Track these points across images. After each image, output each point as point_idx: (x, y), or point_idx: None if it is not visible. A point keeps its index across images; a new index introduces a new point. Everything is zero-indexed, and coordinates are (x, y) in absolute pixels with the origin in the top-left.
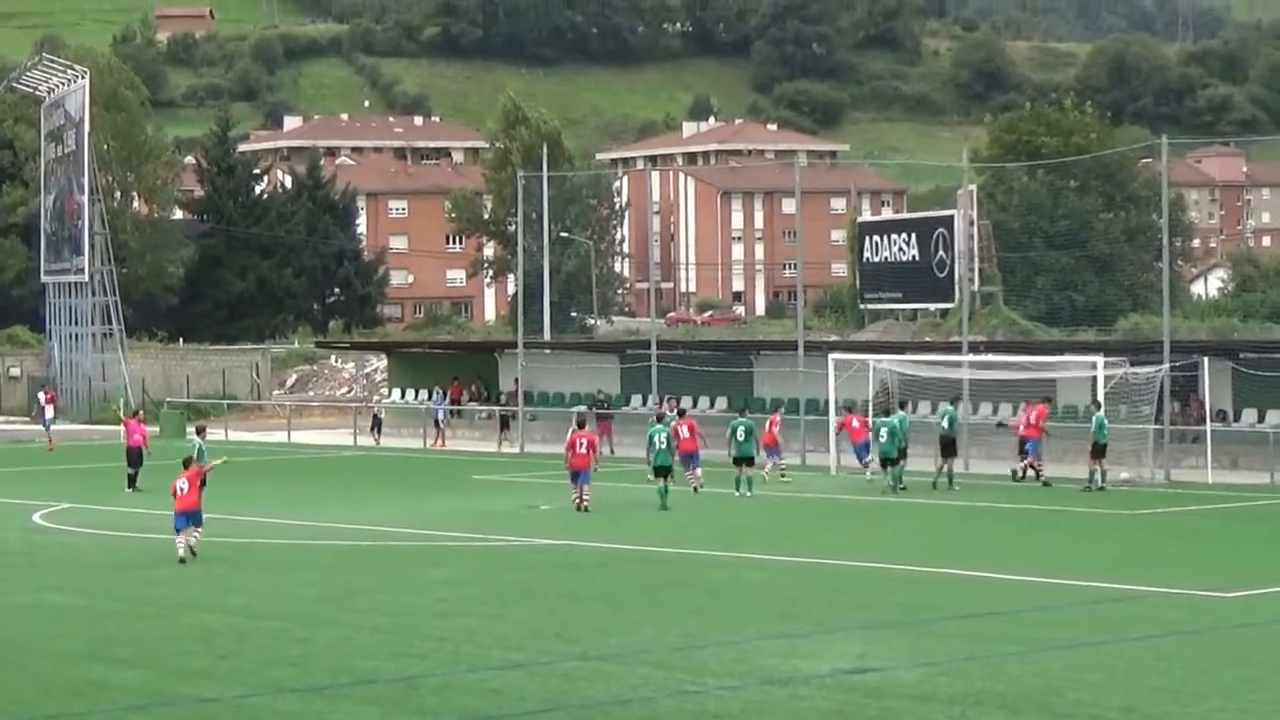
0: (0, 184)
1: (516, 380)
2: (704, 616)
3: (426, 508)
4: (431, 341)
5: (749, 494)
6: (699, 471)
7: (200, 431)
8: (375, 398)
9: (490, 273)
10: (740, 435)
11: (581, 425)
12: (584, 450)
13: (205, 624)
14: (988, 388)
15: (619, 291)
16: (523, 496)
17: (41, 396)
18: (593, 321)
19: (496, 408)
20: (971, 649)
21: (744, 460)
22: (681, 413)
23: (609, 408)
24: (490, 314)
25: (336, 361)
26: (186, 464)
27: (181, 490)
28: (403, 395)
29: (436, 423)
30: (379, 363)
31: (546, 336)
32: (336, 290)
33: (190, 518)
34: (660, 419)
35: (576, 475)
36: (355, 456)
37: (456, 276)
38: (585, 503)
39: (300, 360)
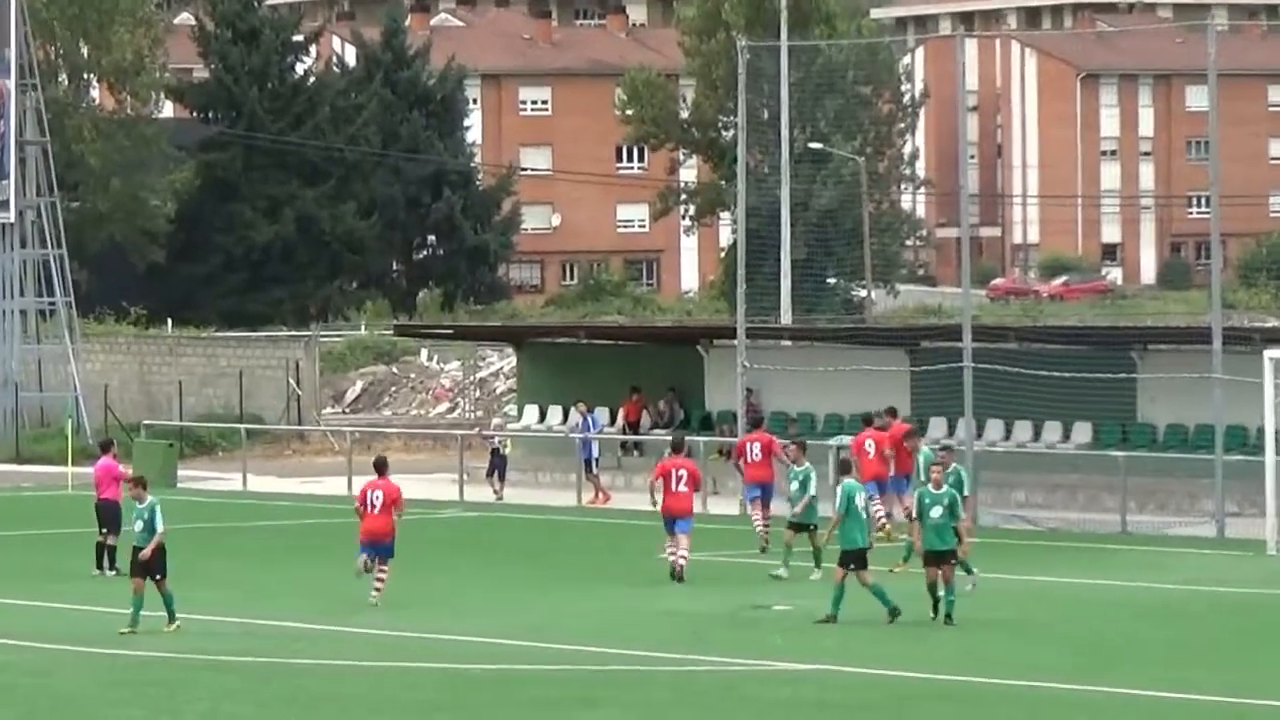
0: None
1: (748, 392)
2: None
3: (583, 607)
4: (592, 327)
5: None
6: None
7: (139, 487)
8: (495, 420)
9: (691, 211)
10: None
11: (678, 450)
12: (683, 487)
13: None
14: None
15: (909, 243)
16: (748, 588)
17: None
18: (864, 293)
19: (703, 438)
20: None
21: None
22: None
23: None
24: (690, 280)
25: (431, 359)
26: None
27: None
28: (542, 417)
29: (589, 464)
30: (502, 362)
31: (785, 319)
32: (431, 240)
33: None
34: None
35: (672, 523)
36: (462, 519)
37: (634, 217)
38: (681, 563)
39: (370, 356)
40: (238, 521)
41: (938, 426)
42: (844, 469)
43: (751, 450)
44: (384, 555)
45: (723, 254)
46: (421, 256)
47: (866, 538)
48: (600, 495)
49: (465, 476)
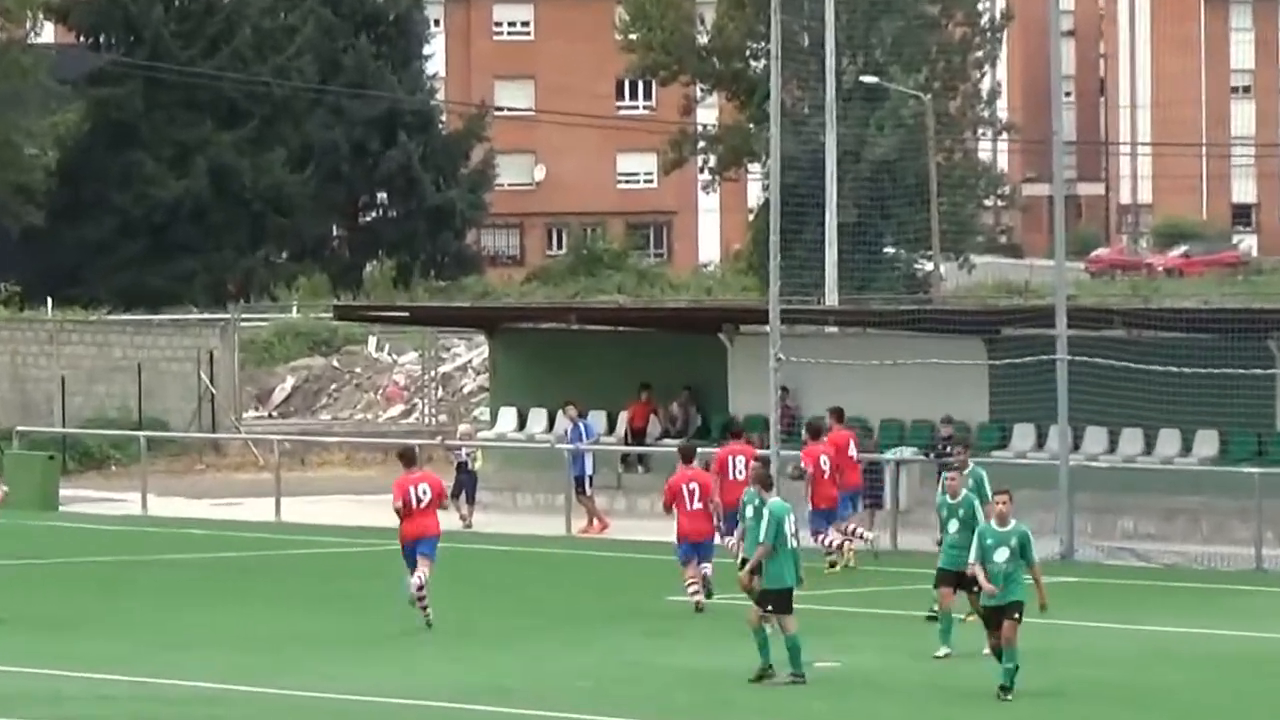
0: None
1: (783, 391)
2: None
3: (570, 662)
4: (585, 309)
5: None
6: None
7: None
8: (462, 428)
9: (711, 163)
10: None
11: (688, 460)
12: (699, 504)
13: None
14: None
15: (987, 203)
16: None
17: None
18: (930, 267)
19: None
20: None
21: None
22: (737, 434)
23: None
24: (709, 250)
25: (381, 350)
26: None
27: None
28: (521, 423)
29: (581, 483)
30: (471, 354)
31: (830, 299)
32: (382, 199)
33: None
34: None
35: (694, 549)
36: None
37: (638, 170)
38: (700, 594)
39: (304, 346)
40: (135, 554)
41: (1024, 436)
42: (764, 483)
43: (733, 467)
44: (431, 555)
45: (751, 216)
46: (369, 219)
47: (796, 573)
48: (595, 522)
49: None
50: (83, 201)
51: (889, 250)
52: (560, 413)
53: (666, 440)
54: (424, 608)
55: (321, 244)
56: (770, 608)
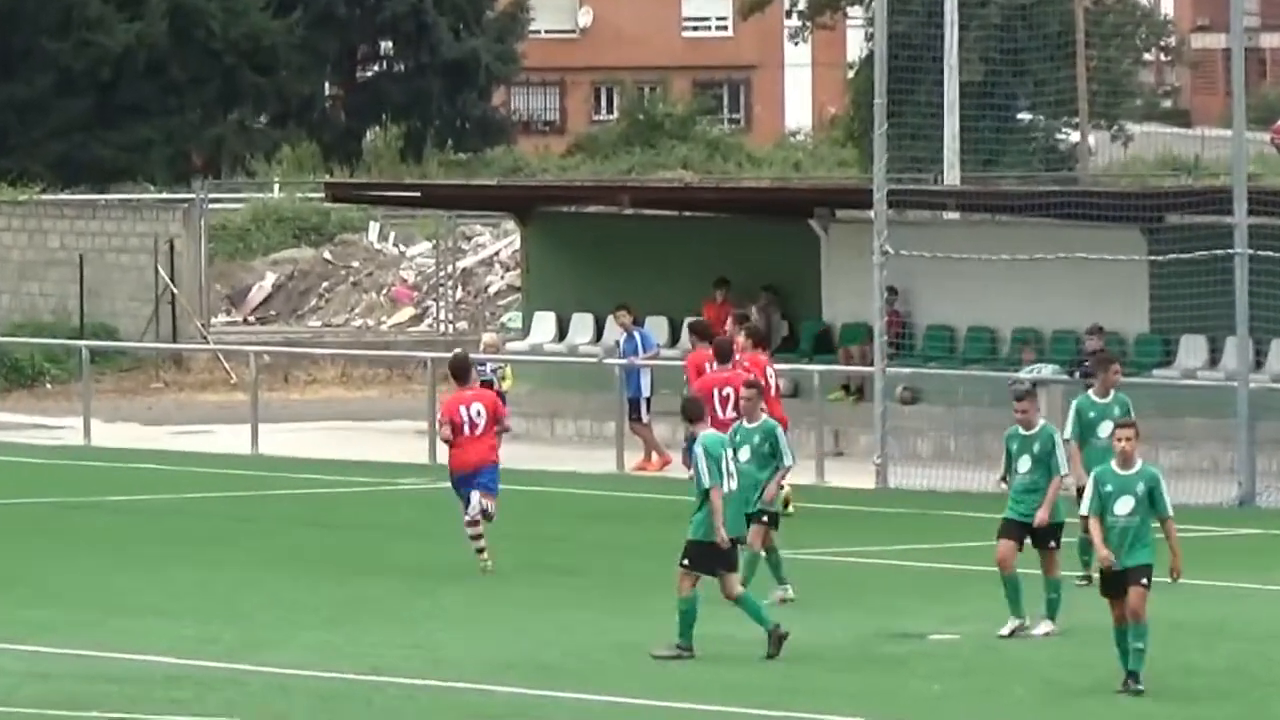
0: None
1: (890, 294)
2: None
3: (623, 633)
4: (642, 188)
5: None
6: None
7: None
8: (486, 337)
9: (800, 5)
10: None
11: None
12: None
13: None
14: None
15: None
16: (888, 601)
17: None
18: (1073, 137)
19: (818, 366)
20: None
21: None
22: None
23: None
24: (798, 115)
25: (385, 239)
26: None
27: None
28: (561, 332)
29: (636, 406)
30: (499, 245)
31: (950, 177)
32: (386, 49)
33: None
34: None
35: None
36: (434, 493)
37: (709, 15)
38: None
39: (289, 234)
40: (76, 495)
41: (1192, 351)
42: (693, 414)
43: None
44: (493, 488)
45: (851, 73)
46: (370, 75)
47: (740, 523)
48: (653, 457)
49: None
50: (10, 51)
51: (1024, 117)
52: (610, 319)
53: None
54: (480, 549)
55: (310, 106)
56: (687, 562)
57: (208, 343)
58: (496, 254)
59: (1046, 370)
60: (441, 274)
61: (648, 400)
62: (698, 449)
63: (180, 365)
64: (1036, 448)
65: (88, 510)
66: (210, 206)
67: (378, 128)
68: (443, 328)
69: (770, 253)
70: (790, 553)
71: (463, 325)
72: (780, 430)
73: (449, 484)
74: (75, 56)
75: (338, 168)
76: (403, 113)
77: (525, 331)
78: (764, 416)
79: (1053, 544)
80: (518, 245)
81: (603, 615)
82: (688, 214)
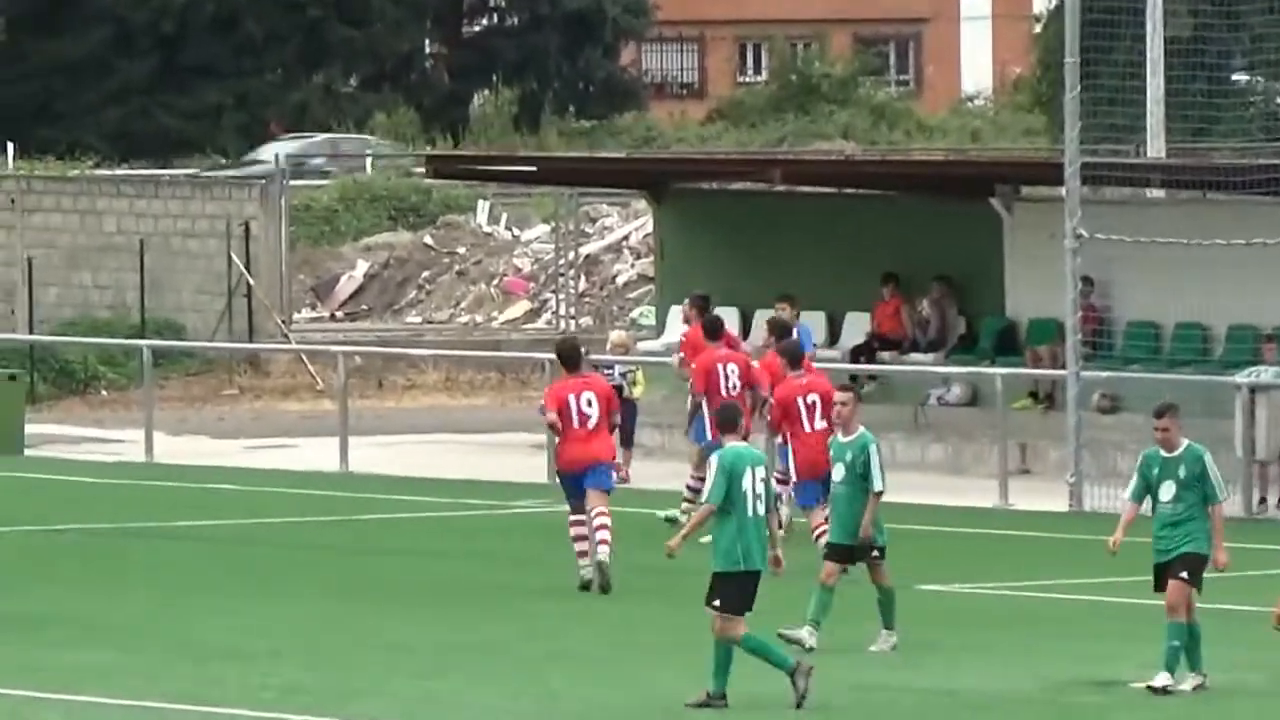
0: None
1: (1085, 284)
2: None
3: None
4: (795, 162)
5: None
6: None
7: None
8: (614, 334)
9: None
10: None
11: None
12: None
13: None
14: None
15: None
16: (1080, 648)
17: None
18: None
19: (1000, 369)
20: None
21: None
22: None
23: None
24: (976, 76)
25: (496, 221)
26: None
27: None
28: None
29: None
30: (629, 227)
31: (1154, 148)
32: (496, 2)
33: None
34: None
35: (821, 487)
36: (554, 517)
37: None
38: (590, 559)
39: (383, 215)
40: (136, 519)
41: None
42: (728, 423)
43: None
44: (605, 485)
45: (1038, 28)
46: (478, 29)
47: (764, 553)
48: None
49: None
50: (58, 2)
51: (1239, 77)
52: (773, 313)
53: (915, 355)
54: (597, 561)
55: (408, 66)
56: (716, 604)
57: (289, 342)
58: (625, 238)
59: (1268, 373)
60: (561, 262)
61: None
62: (712, 459)
63: (257, 368)
64: (1182, 472)
65: (149, 537)
66: (291, 183)
67: (487, 91)
68: (562, 324)
69: (944, 237)
70: (970, 587)
71: (586, 321)
72: (875, 446)
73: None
74: (134, 8)
75: (440, 138)
76: (516, 74)
77: (659, 329)
78: (861, 429)
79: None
80: (650, 228)
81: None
82: (848, 191)
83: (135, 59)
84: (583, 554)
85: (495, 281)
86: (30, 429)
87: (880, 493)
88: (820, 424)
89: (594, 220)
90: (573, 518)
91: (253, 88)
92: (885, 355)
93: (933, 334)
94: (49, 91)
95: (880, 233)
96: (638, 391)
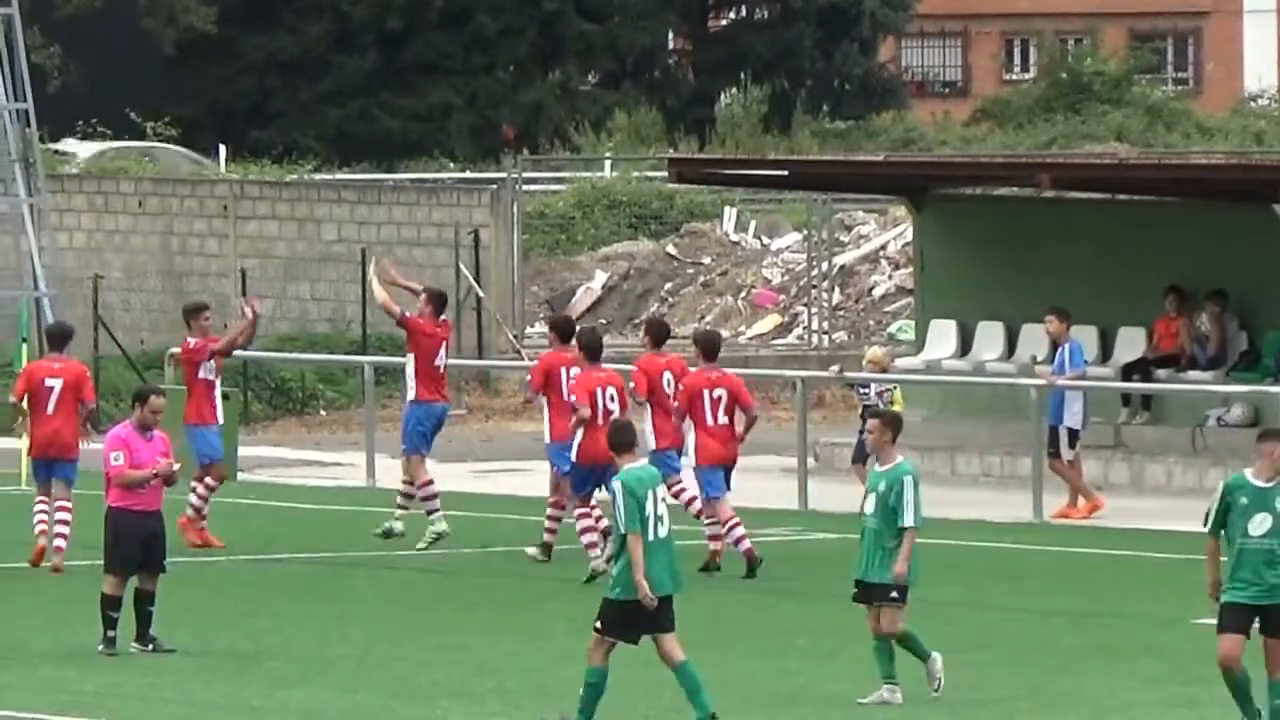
0: None
1: None
2: None
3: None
4: (1064, 165)
5: None
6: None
7: None
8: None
9: None
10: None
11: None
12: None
13: None
14: None
15: None
16: None
17: None
18: None
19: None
20: None
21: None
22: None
23: None
24: (1260, 73)
25: (744, 230)
26: None
27: None
28: (964, 346)
29: (1058, 436)
30: (886, 236)
31: None
32: None
33: None
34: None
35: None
36: (811, 545)
37: None
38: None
39: (623, 222)
40: (357, 549)
41: None
42: (618, 443)
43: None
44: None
45: None
46: (726, 24)
47: (674, 575)
48: (1080, 500)
49: (813, 459)
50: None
51: None
52: (1045, 329)
53: (1192, 373)
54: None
55: (650, 63)
56: (645, 626)
57: (522, 358)
58: (883, 248)
59: None
60: (814, 273)
61: (1072, 432)
62: (615, 485)
63: (487, 386)
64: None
65: (370, 567)
66: (525, 188)
67: (734, 89)
68: (816, 339)
69: (1224, 246)
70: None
71: (840, 336)
72: (911, 479)
73: (821, 533)
74: (355, 2)
75: (684, 140)
76: (766, 71)
77: (919, 345)
78: (900, 459)
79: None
80: (909, 237)
81: (1013, 701)
82: (1122, 197)
83: (356, 55)
84: (592, 545)
85: (743, 294)
86: (244, 451)
87: (913, 529)
88: (724, 419)
89: (849, 228)
90: (579, 510)
91: (483, 86)
92: (1161, 374)
93: (1212, 350)
94: (263, 90)
95: (1155, 241)
96: (897, 410)
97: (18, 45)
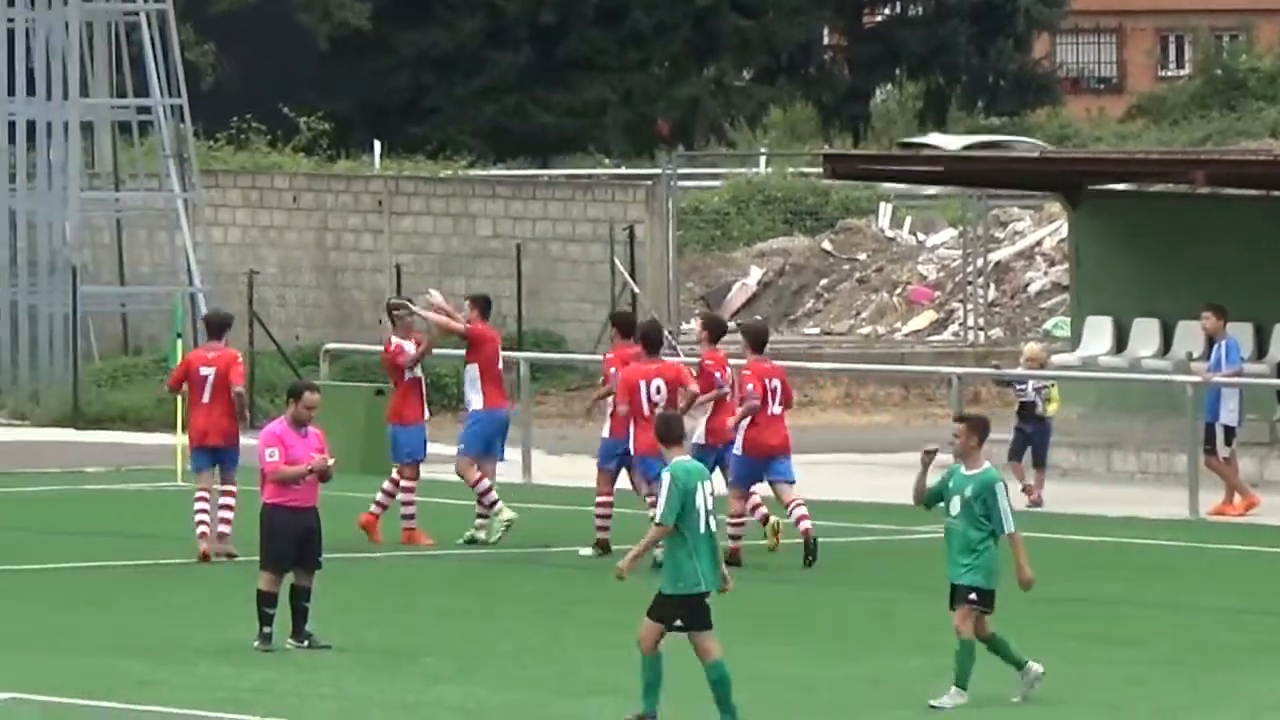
0: None
1: None
2: None
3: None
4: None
5: None
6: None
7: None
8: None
9: None
10: None
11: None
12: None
13: None
14: None
15: None
16: None
17: None
18: None
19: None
20: None
21: None
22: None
23: None
24: None
25: (900, 226)
26: None
27: None
28: (1119, 342)
29: (1214, 433)
30: (1042, 232)
31: None
32: None
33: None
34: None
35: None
36: None
37: None
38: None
39: (780, 218)
40: (512, 545)
41: None
42: (667, 435)
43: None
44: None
45: None
46: (881, 19)
47: (716, 572)
48: (1236, 497)
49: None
50: None
51: None
52: (1201, 326)
53: None
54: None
55: (805, 58)
56: (679, 622)
57: (677, 354)
58: (1038, 244)
59: None
60: (969, 269)
61: (1229, 429)
62: (664, 476)
63: None
64: None
65: (526, 565)
66: (680, 184)
67: (890, 85)
68: (971, 336)
69: None
70: None
71: (996, 333)
72: (1002, 485)
73: None
74: None
75: (839, 135)
76: (921, 67)
77: (1075, 341)
78: (986, 464)
79: None
80: (1065, 234)
81: (1171, 697)
82: (1278, 194)
83: (511, 50)
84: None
85: (898, 290)
86: None
87: (1016, 532)
88: (776, 409)
89: (1004, 224)
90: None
91: (638, 82)
92: None
93: None
94: (417, 86)
95: None
96: (1052, 409)
97: (171, 42)
